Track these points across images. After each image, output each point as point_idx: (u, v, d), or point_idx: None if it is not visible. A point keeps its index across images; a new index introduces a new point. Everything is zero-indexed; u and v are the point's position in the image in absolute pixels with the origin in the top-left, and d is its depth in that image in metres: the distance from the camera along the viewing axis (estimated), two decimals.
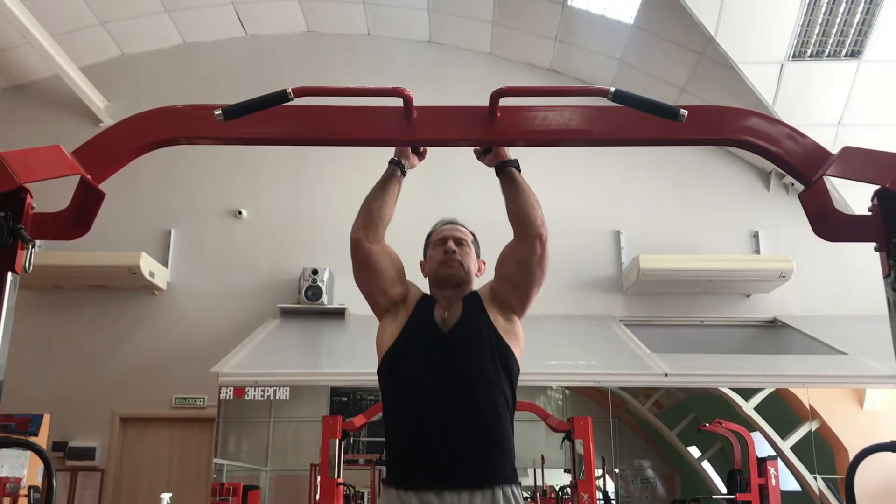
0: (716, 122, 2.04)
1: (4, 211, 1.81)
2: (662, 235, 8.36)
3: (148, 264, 7.67)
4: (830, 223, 2.06)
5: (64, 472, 7.43)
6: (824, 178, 1.96)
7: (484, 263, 2.46)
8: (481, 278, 2.47)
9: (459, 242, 2.40)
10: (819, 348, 7.17)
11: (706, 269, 7.84)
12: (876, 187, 1.88)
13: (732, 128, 2.02)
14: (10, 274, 1.83)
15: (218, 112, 1.88)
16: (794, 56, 6.96)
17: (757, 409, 7.01)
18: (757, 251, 8.37)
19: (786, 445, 6.88)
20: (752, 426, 6.91)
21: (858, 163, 1.90)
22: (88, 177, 1.93)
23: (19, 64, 8.47)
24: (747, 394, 7.03)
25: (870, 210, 1.99)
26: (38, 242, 1.88)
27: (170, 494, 4.81)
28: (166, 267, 8.15)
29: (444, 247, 2.38)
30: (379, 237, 2.30)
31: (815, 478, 6.67)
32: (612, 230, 8.49)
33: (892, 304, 1.91)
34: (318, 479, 5.85)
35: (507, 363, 2.22)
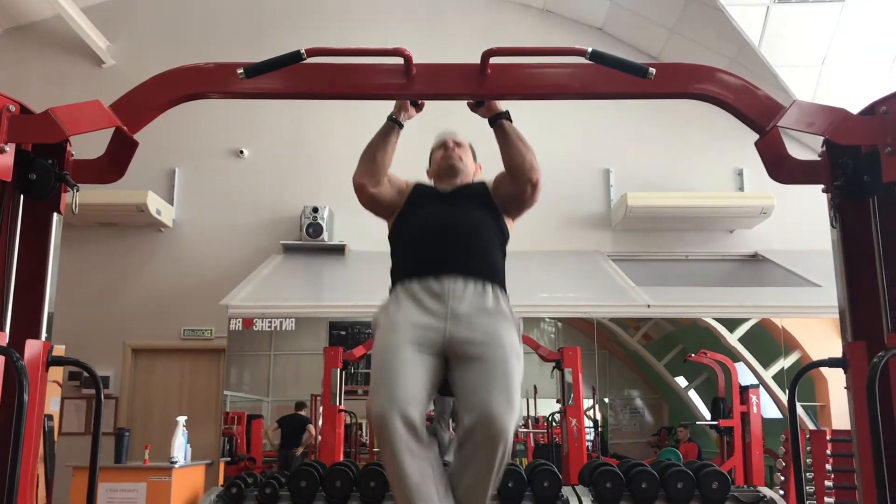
0: (681, 79, 2.29)
1: (51, 159, 2.07)
2: (650, 173, 8.56)
3: (154, 202, 7.91)
4: (784, 168, 2.33)
5: (80, 399, 7.79)
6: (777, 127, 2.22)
7: (480, 167, 2.78)
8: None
9: (458, 144, 2.70)
10: (796, 281, 7.45)
11: (691, 205, 8.09)
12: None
13: (696, 84, 2.28)
14: (55, 214, 2.11)
15: (240, 70, 2.13)
16: None
17: (741, 340, 7.33)
18: (741, 188, 8.59)
19: (768, 375, 7.20)
20: (737, 357, 7.23)
21: (805, 115, 2.15)
22: (125, 128, 2.18)
23: (20, 4, 8.54)
24: (732, 326, 7.32)
25: (819, 156, 2.26)
26: None
27: (185, 417, 5.15)
28: (172, 205, 8.40)
29: (444, 146, 2.70)
30: (380, 181, 2.58)
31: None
32: (601, 168, 8.71)
33: (835, 241, 2.20)
34: (321, 408, 6.21)
35: (498, 224, 2.56)
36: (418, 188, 2.66)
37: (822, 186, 2.24)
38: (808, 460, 5.32)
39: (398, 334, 2.31)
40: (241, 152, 8.64)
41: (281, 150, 8.70)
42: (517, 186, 2.52)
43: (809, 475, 5.26)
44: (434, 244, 2.44)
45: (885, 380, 1.89)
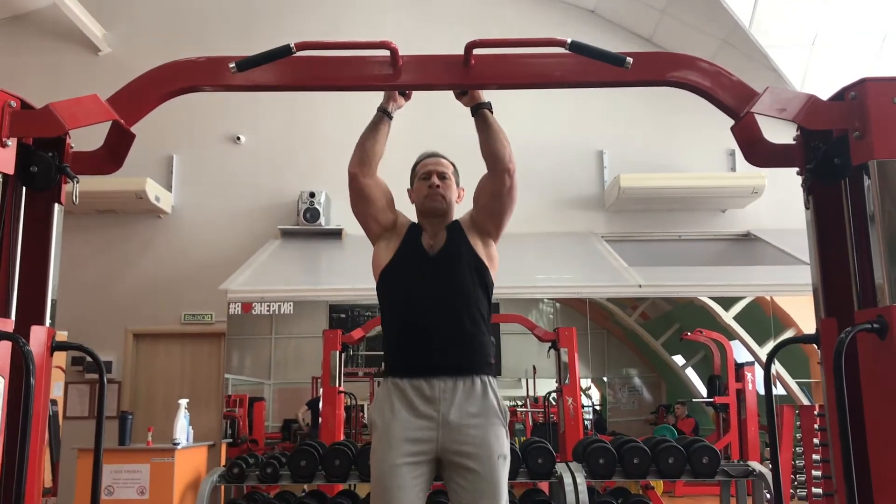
0: (658, 67, 2.34)
1: (51, 152, 2.14)
2: (643, 155, 8.61)
3: (153, 189, 7.98)
4: (760, 151, 2.39)
5: (83, 384, 7.91)
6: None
7: (463, 190, 2.81)
8: (461, 204, 2.81)
9: (442, 176, 2.70)
10: (787, 259, 7.51)
11: (684, 186, 8.15)
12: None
13: (672, 72, 2.32)
14: (56, 205, 2.19)
15: (232, 65, 2.19)
16: None
17: (736, 318, 7.41)
18: (733, 169, 8.64)
19: (763, 352, 7.29)
20: (732, 335, 7.32)
21: (777, 102, 2.21)
22: (122, 121, 2.25)
23: None
24: (727, 304, 7.40)
25: (794, 140, 2.34)
26: None
27: (187, 400, 5.24)
28: (170, 191, 8.46)
29: (428, 181, 2.69)
30: (373, 171, 2.65)
31: (777, 381, 7.06)
32: (595, 150, 8.75)
33: (809, 221, 2.28)
34: (321, 390, 6.30)
35: (483, 281, 2.64)
36: (410, 234, 2.67)
37: (797, 169, 2.32)
38: (797, 435, 5.43)
39: (393, 452, 2.44)
40: (238, 139, 8.69)
41: (277, 136, 8.75)
42: (495, 180, 2.59)
43: (800, 450, 5.37)
44: (423, 336, 2.54)
45: (853, 355, 1.97)
